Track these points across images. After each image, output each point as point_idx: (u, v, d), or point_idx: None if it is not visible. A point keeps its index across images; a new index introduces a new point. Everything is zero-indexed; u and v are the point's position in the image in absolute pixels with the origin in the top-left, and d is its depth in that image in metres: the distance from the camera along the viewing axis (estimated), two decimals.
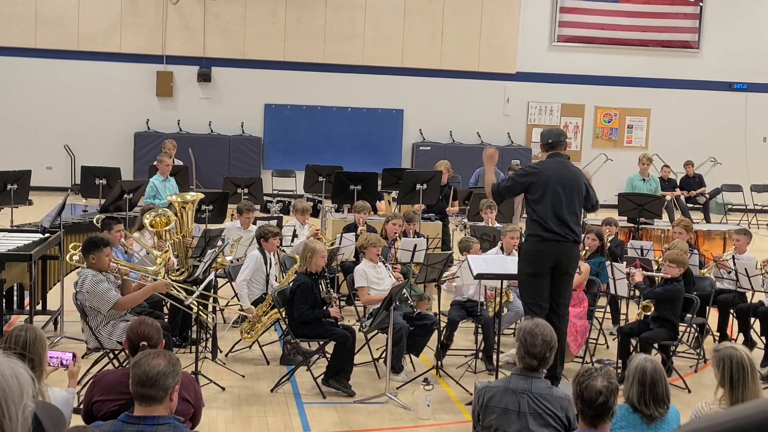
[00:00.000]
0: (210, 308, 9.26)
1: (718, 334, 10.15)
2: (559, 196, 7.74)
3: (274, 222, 11.28)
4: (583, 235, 8.82)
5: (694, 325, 9.68)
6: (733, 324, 10.15)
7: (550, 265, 7.74)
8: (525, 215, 8.31)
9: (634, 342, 8.80)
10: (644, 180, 15.22)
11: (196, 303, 7.96)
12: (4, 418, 2.04)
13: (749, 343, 9.54)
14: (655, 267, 9.77)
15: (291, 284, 8.62)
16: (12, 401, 2.06)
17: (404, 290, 8.67)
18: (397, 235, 10.63)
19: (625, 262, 9.66)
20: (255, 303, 9.14)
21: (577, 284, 9.19)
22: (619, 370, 8.45)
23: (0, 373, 2.07)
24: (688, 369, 9.25)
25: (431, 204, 12.74)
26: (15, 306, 9.81)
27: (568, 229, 7.75)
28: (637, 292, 9.90)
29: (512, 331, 9.76)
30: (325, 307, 8.36)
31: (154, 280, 8.14)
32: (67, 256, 8.44)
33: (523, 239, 8.02)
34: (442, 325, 9.07)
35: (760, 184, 21.39)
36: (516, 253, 9.36)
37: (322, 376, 8.18)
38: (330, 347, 8.42)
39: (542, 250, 7.72)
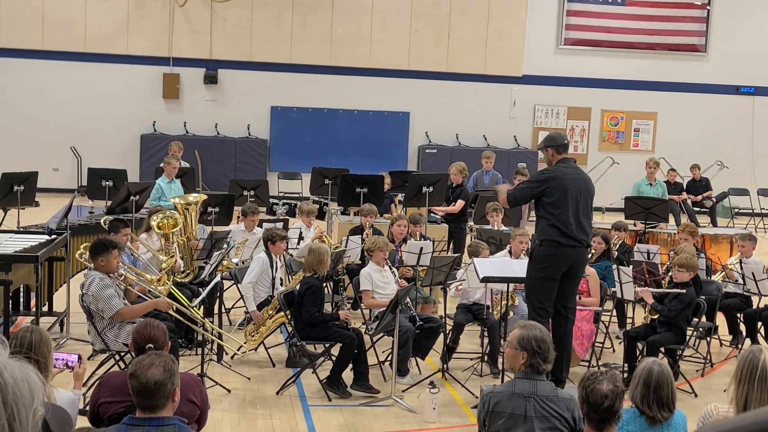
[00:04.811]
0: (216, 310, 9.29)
1: (731, 336, 10.17)
2: (577, 201, 7.75)
3: (279, 224, 11.28)
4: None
5: (701, 329, 9.65)
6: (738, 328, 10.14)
7: (564, 270, 7.74)
8: (532, 218, 8.29)
9: (640, 346, 8.78)
10: (651, 185, 15.14)
11: (201, 315, 8.01)
12: (15, 422, 2.03)
13: None
14: (661, 270, 9.74)
15: (298, 287, 8.62)
16: (23, 405, 2.06)
17: (407, 297, 8.66)
18: (403, 237, 10.59)
19: (631, 266, 9.64)
20: (260, 306, 9.14)
21: (595, 297, 9.20)
22: (626, 374, 8.42)
23: (11, 377, 2.06)
24: (695, 373, 9.22)
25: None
26: (21, 307, 9.82)
27: (584, 234, 7.78)
28: None
29: None
30: (334, 310, 8.38)
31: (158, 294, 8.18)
32: (77, 254, 8.48)
33: (535, 243, 7.98)
34: (448, 328, 9.06)
35: (767, 188, 21.35)
36: (524, 257, 9.35)
37: (327, 378, 8.18)
38: (335, 352, 8.41)
39: (558, 255, 7.71)
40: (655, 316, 8.80)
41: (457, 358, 9.21)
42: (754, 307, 10.04)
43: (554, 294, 7.80)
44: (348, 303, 10.61)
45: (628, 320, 10.32)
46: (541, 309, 7.72)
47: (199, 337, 8.39)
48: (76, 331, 9.37)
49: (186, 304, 8.19)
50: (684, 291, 8.66)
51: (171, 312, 7.92)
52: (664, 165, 18.28)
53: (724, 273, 10.38)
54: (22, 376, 2.10)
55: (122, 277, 7.90)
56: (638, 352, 8.74)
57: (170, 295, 8.37)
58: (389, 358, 8.64)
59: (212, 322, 9.26)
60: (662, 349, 8.68)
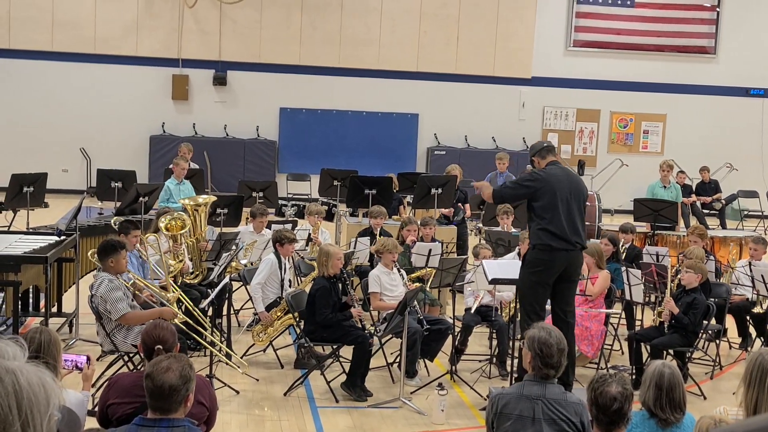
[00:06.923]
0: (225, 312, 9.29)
1: (740, 338, 10.14)
2: (569, 204, 7.68)
3: (288, 226, 11.29)
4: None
5: (710, 332, 9.63)
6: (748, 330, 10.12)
7: (557, 274, 7.69)
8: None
9: (647, 348, 8.76)
10: (665, 187, 15.04)
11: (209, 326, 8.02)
12: (29, 428, 2.01)
13: None
14: (670, 273, 9.72)
15: (308, 288, 8.62)
16: (37, 411, 2.03)
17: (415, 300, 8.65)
18: (414, 240, 10.56)
19: (640, 268, 9.62)
20: (269, 307, 9.15)
21: (598, 292, 9.16)
22: (633, 376, 8.40)
23: (27, 381, 2.04)
24: (704, 376, 9.19)
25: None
26: (30, 308, 9.85)
27: (578, 237, 7.71)
28: (653, 298, 9.89)
29: None
30: (347, 310, 8.37)
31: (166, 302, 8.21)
32: (89, 253, 8.49)
33: (528, 247, 7.94)
34: (457, 330, 9.05)
35: None
36: None
37: (344, 379, 8.18)
38: (343, 353, 8.41)
39: (551, 260, 7.65)
40: (662, 319, 8.77)
41: (465, 360, 9.21)
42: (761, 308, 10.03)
43: (546, 298, 7.76)
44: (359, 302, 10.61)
45: (637, 323, 10.29)
46: (533, 313, 7.64)
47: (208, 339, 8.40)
48: (85, 332, 9.39)
49: (195, 314, 8.20)
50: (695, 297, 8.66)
51: (176, 321, 7.91)
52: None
53: (729, 273, 10.35)
54: (39, 380, 2.07)
55: (131, 282, 7.93)
56: (646, 354, 8.72)
57: (179, 302, 8.40)
58: (397, 360, 8.64)
59: (220, 323, 9.29)
60: (671, 352, 8.66)
